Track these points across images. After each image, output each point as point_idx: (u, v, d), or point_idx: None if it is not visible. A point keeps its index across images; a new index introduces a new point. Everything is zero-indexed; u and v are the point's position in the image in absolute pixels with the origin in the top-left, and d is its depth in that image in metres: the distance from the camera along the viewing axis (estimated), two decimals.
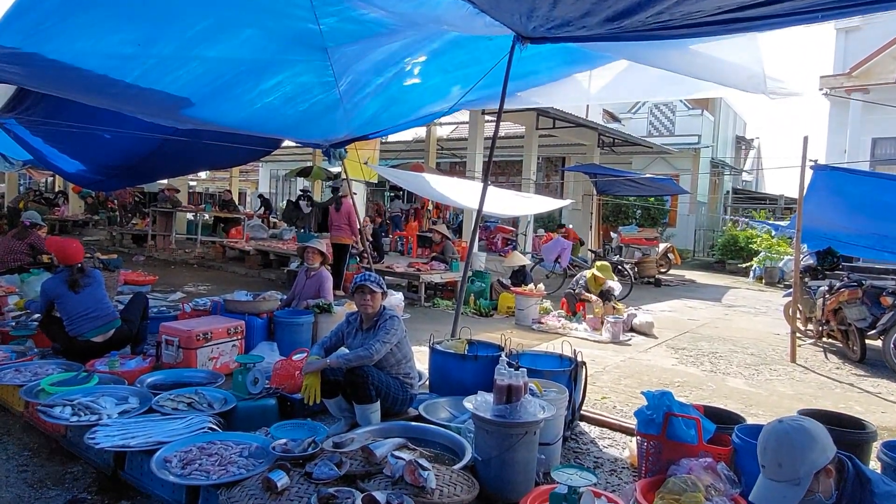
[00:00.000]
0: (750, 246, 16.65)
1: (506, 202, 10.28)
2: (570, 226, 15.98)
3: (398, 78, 4.85)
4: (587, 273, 8.74)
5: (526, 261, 11.06)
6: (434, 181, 10.26)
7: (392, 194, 20.89)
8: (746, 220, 17.74)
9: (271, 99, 4.75)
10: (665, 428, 3.09)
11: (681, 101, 20.60)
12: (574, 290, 8.64)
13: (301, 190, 17.83)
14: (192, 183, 26.61)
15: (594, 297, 8.36)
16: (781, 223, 13.78)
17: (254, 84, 4.51)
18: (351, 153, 7.30)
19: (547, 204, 11.35)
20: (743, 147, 27.94)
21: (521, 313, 8.39)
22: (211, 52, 3.90)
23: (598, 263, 8.97)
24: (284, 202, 19.57)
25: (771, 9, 2.79)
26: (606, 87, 5.37)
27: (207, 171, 26.28)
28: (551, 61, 4.75)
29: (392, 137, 20.89)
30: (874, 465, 3.12)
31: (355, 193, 10.16)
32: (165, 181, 15.05)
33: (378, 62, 4.46)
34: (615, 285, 8.84)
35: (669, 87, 5.36)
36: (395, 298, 6.77)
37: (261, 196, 22.48)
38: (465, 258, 7.97)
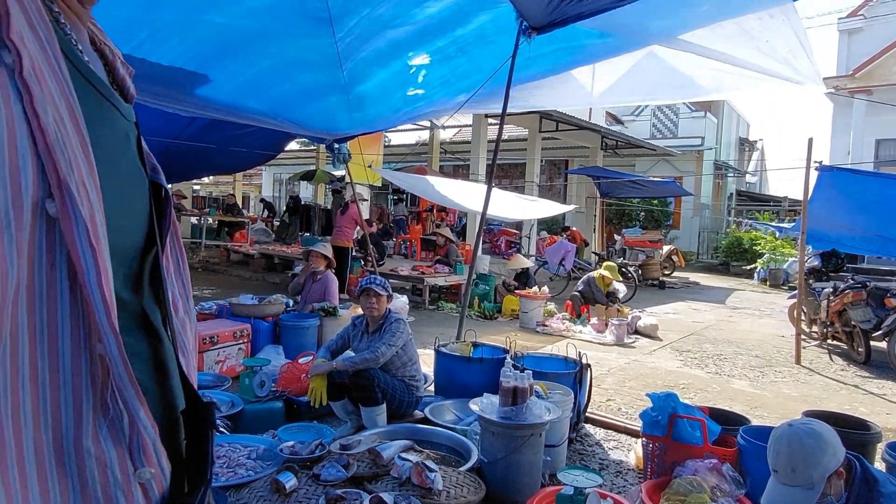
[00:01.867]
0: (754, 248, 16.61)
1: (510, 205, 10.28)
2: (574, 228, 15.97)
3: (403, 84, 4.84)
4: (594, 274, 8.73)
5: (529, 263, 11.06)
6: (437, 184, 10.28)
7: (395, 198, 20.93)
8: (749, 221, 17.69)
9: (274, 61, 4.62)
10: (670, 429, 3.11)
11: (684, 103, 20.57)
12: (586, 292, 8.61)
13: (290, 196, 17.95)
14: (195, 187, 26.67)
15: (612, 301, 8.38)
16: (784, 225, 13.76)
17: (257, 47, 4.46)
18: (355, 157, 7.32)
19: (552, 208, 11.35)
20: (746, 149, 27.91)
21: (525, 316, 8.39)
22: (214, 16, 3.87)
23: (606, 263, 8.97)
24: (283, 210, 19.75)
25: None
26: (609, 90, 5.35)
27: (211, 176, 26.40)
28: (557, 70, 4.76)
29: (395, 141, 20.96)
30: (879, 465, 3.12)
31: (364, 200, 10.18)
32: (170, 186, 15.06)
33: (382, 53, 4.43)
34: (620, 287, 8.84)
35: (671, 90, 5.36)
36: (400, 301, 6.78)
37: (262, 200, 22.55)
38: (469, 261, 7.99)
